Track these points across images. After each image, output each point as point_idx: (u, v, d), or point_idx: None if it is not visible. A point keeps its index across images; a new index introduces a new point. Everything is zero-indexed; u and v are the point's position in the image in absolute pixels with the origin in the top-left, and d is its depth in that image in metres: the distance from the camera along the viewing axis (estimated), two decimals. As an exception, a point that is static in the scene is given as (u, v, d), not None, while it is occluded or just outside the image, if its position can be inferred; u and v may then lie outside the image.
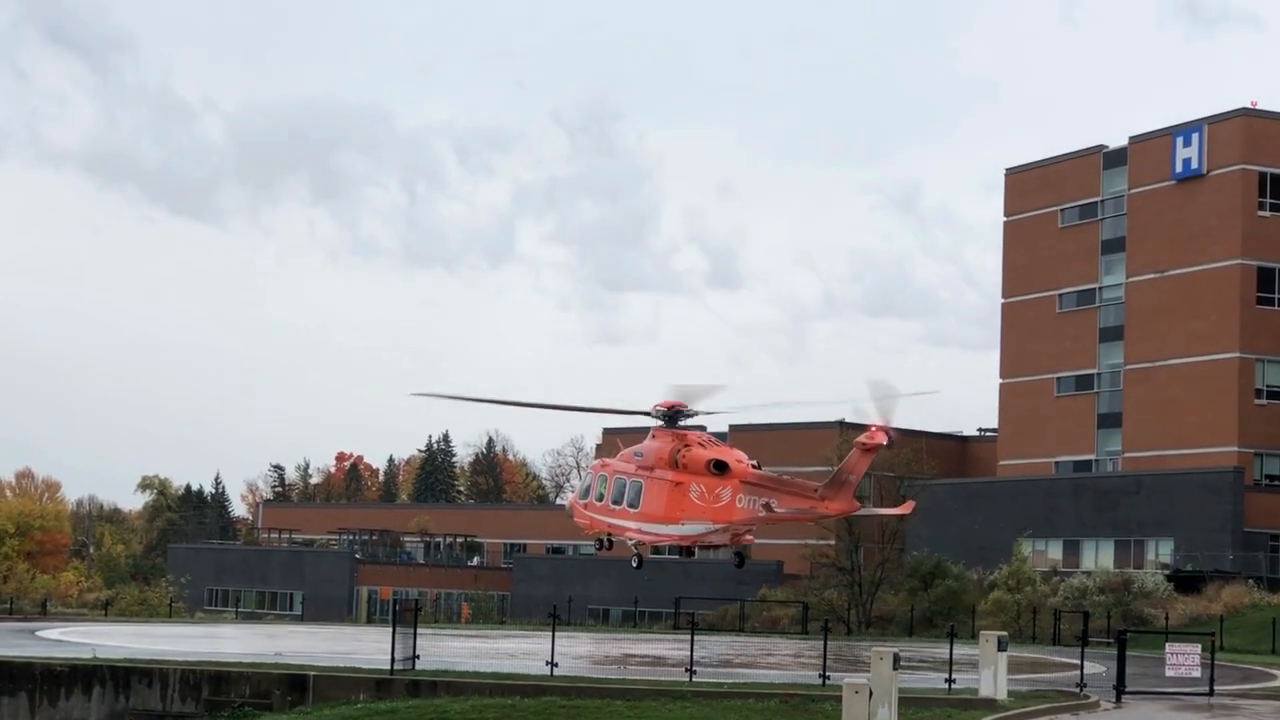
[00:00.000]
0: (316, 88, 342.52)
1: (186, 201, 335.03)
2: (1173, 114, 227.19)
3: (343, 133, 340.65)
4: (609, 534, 54.34)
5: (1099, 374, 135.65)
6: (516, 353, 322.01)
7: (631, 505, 51.50)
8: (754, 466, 49.38)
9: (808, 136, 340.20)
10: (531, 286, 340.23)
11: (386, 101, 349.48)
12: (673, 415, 51.57)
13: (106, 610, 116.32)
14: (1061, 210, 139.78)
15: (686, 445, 50.16)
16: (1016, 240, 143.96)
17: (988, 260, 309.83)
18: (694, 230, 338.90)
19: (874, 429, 44.41)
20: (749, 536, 51.65)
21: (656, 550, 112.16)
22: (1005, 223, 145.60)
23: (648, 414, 52.14)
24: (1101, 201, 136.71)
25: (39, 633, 71.81)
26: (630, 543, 53.00)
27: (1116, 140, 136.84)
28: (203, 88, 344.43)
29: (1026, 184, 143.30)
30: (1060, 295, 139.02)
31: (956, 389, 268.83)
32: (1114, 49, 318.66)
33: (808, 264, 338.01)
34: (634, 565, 55.13)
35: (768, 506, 47.05)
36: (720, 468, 48.73)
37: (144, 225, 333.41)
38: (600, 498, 52.81)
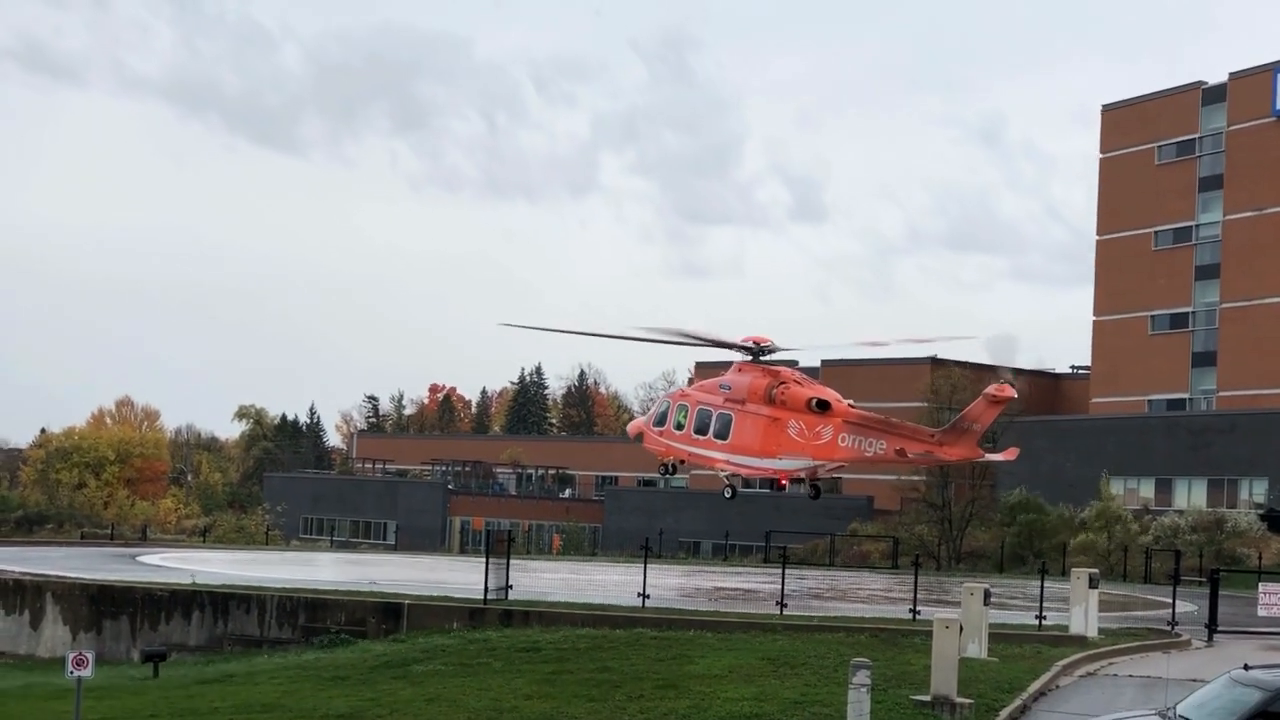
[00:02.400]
0: (392, 14, 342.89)
1: (268, 131, 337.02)
2: (1272, 50, 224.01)
3: (420, 61, 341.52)
4: (682, 461, 54.92)
5: (1194, 312, 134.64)
6: (599, 284, 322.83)
7: (719, 436, 51.91)
8: (851, 406, 49.71)
9: (888, 67, 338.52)
10: (614, 217, 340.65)
11: (463, 29, 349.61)
12: (759, 350, 51.91)
13: (204, 537, 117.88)
14: (1159, 147, 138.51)
15: (783, 382, 50.44)
16: (1112, 177, 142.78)
17: (1074, 195, 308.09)
18: (775, 162, 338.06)
19: (1004, 384, 44.59)
20: (833, 472, 52.09)
21: (747, 484, 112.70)
22: (1101, 159, 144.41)
23: (734, 346, 52.48)
24: (1200, 138, 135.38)
25: (139, 558, 73.02)
26: (723, 474, 53.46)
27: (1215, 76, 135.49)
28: (280, 15, 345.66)
29: (1123, 120, 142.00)
30: (1156, 233, 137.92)
31: (1043, 325, 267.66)
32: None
33: (890, 197, 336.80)
34: (727, 496, 55.68)
35: (900, 452, 47.28)
36: (822, 406, 49.06)
37: (226, 154, 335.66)
38: (680, 426, 53.25)
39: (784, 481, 53.26)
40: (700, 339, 53.30)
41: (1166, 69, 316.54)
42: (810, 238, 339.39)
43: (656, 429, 54.92)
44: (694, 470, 56.30)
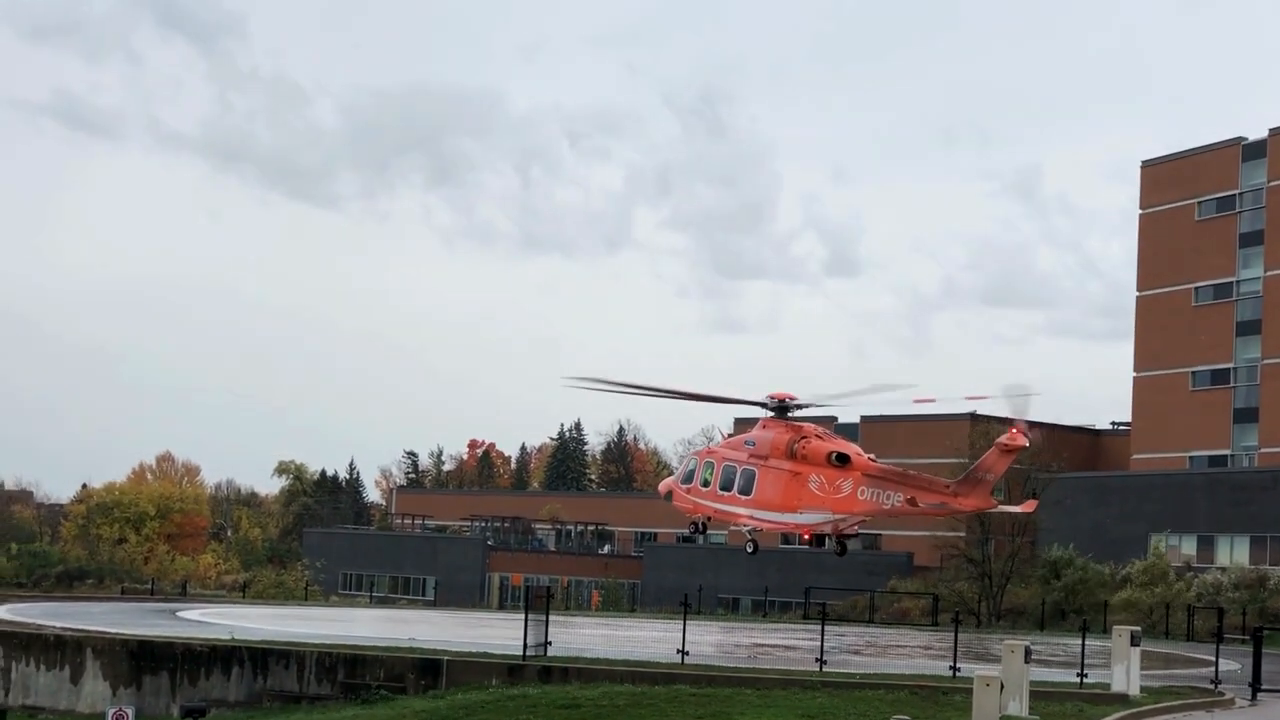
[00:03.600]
0: (425, 70, 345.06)
1: (302, 186, 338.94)
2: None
3: (454, 116, 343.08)
4: (710, 518, 55.23)
5: (1235, 368, 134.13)
6: (635, 339, 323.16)
7: (743, 492, 52.10)
8: (871, 459, 49.80)
9: (922, 120, 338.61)
10: (649, 272, 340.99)
11: (496, 83, 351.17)
12: (783, 407, 52.12)
13: (244, 592, 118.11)
14: (1199, 203, 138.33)
15: (804, 437, 50.67)
16: (1152, 233, 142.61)
17: (1111, 249, 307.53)
18: (810, 216, 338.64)
19: (1015, 431, 44.60)
20: (855, 527, 52.13)
21: (786, 540, 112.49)
22: (1141, 215, 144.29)
23: (762, 404, 52.74)
24: (1240, 194, 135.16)
25: (179, 613, 73.14)
26: (745, 530, 53.64)
27: (1255, 132, 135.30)
28: (313, 71, 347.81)
29: (1162, 176, 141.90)
30: (1196, 289, 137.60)
31: (1081, 380, 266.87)
32: (1241, 34, 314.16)
33: (926, 251, 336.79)
34: (749, 551, 55.75)
35: (910, 501, 47.42)
36: (842, 460, 49.17)
37: (261, 209, 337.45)
38: (706, 484, 53.44)
39: (807, 536, 53.46)
40: (724, 399, 53.83)
41: (1204, 124, 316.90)
42: (845, 292, 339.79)
43: (684, 486, 55.16)
44: (731, 527, 56.39)
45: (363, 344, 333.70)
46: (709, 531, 62.54)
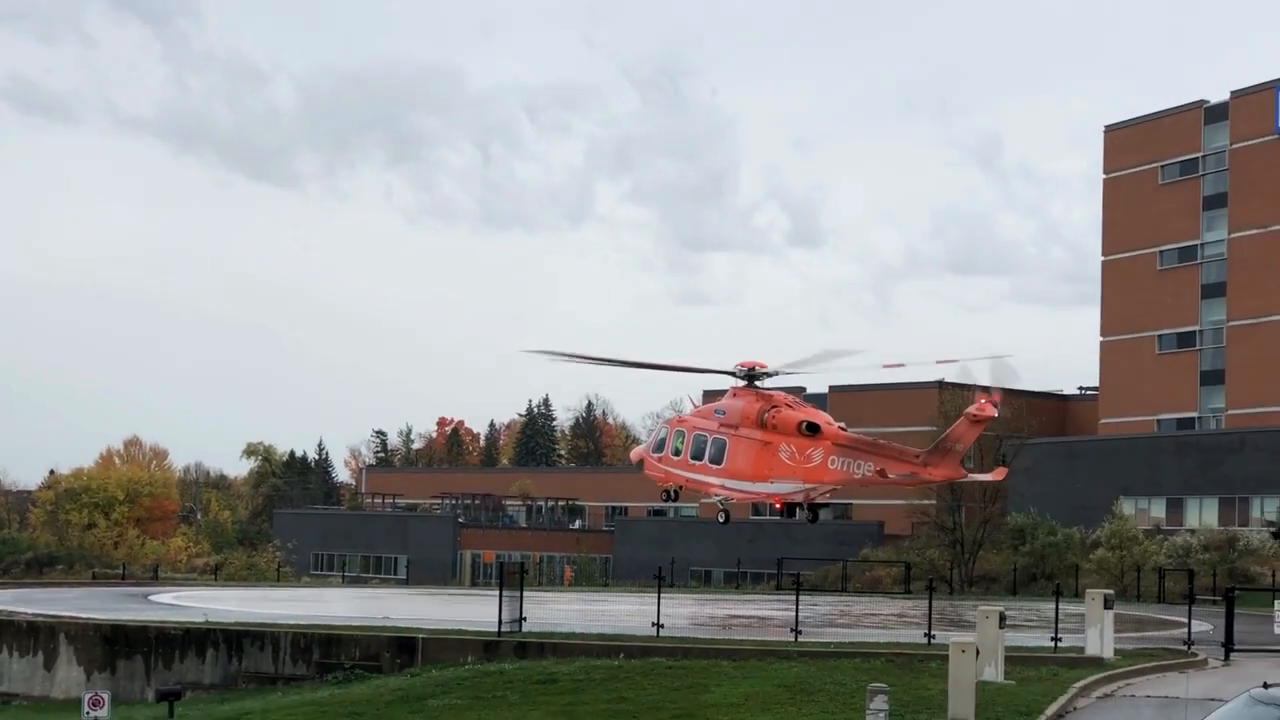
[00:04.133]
0: (383, 47, 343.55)
1: (263, 166, 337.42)
2: (1273, 68, 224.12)
3: (413, 93, 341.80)
4: (680, 487, 55.31)
5: (1201, 331, 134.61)
6: (601, 314, 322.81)
7: (714, 461, 52.33)
8: (841, 429, 49.95)
9: (883, 90, 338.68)
10: (612, 246, 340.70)
11: (455, 60, 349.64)
12: (752, 375, 52.21)
13: (215, 575, 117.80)
14: (1162, 167, 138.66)
15: (774, 406, 50.77)
16: (1116, 197, 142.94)
17: (1074, 215, 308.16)
18: (773, 187, 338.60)
19: (983, 401, 44.76)
20: (827, 495, 52.42)
21: (757, 510, 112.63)
22: (1104, 180, 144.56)
23: (730, 373, 52.80)
24: (1203, 157, 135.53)
25: (151, 597, 72.93)
26: (716, 499, 53.75)
27: (1217, 95, 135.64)
28: (270, 50, 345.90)
29: (1125, 141, 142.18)
30: (1161, 252, 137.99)
31: (1048, 346, 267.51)
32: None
33: (889, 220, 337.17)
34: (721, 521, 55.95)
35: (880, 472, 47.59)
36: (812, 429, 49.35)
37: (222, 190, 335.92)
38: (677, 452, 53.67)
39: (778, 505, 53.62)
40: (691, 369, 54.03)
41: (1164, 88, 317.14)
42: (810, 262, 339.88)
43: (655, 455, 55.32)
44: (704, 499, 56.35)
45: (327, 323, 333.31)
46: (680, 503, 62.66)
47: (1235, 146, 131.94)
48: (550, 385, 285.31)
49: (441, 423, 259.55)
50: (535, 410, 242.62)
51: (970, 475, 51.05)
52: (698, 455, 53.27)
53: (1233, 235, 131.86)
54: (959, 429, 46.14)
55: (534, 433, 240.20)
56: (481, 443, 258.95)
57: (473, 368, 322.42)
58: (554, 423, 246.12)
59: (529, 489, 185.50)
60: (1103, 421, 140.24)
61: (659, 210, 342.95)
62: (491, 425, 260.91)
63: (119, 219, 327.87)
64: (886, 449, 49.06)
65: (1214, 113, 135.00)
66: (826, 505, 54.11)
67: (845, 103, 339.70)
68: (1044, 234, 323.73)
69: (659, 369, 54.59)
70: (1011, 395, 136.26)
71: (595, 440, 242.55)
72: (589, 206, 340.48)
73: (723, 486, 52.86)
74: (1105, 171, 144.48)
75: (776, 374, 52.87)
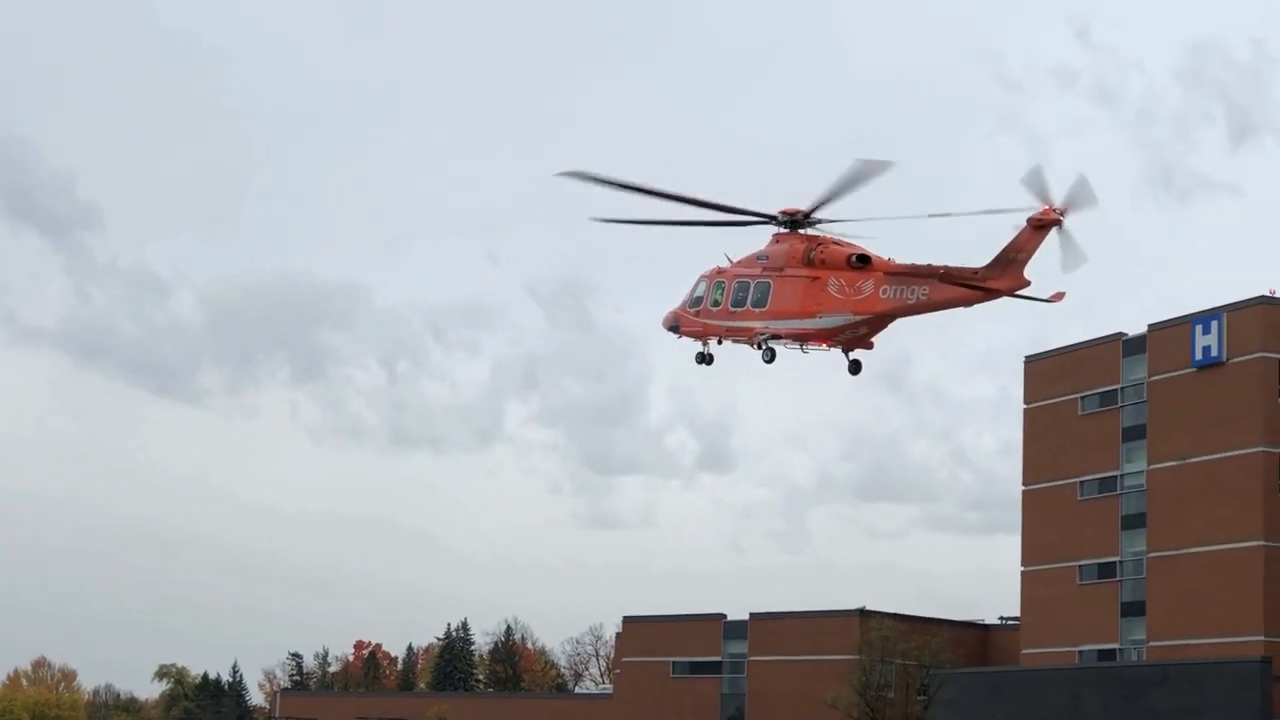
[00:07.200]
0: (288, 262, 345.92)
1: (167, 380, 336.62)
2: (1190, 302, 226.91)
3: (319, 308, 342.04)
4: (722, 339, 54.46)
5: (1122, 562, 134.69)
6: (513, 535, 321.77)
7: (757, 305, 52.11)
8: (890, 260, 49.79)
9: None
10: (521, 467, 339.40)
11: (361, 276, 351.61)
12: (795, 221, 51.74)
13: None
14: (1082, 398, 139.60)
15: (820, 244, 50.56)
16: (1036, 427, 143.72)
17: (983, 441, 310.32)
18: (682, 409, 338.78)
19: (1048, 208, 44.66)
20: (871, 338, 51.45)
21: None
22: (1025, 410, 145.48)
23: (773, 218, 52.11)
24: (1122, 389, 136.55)
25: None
26: (760, 337, 52.58)
27: (1135, 328, 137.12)
28: (174, 262, 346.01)
29: (1046, 371, 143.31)
30: (1082, 483, 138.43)
31: (961, 574, 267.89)
32: (1105, 239, 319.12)
33: (799, 443, 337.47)
34: (765, 360, 54.19)
35: (936, 291, 47.65)
36: (862, 260, 49.38)
37: (124, 404, 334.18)
38: (716, 304, 53.46)
39: (827, 345, 52.43)
40: (732, 209, 51.83)
41: (1077, 319, 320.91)
42: (720, 486, 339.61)
43: (692, 310, 54.79)
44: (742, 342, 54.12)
45: (240, 545, 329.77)
46: (714, 367, 59.70)
47: (1154, 379, 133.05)
48: (469, 609, 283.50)
49: (359, 645, 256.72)
50: (454, 634, 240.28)
51: (1028, 294, 49.18)
52: (739, 303, 52.87)
53: (1152, 467, 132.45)
54: (1021, 237, 45.88)
55: (452, 657, 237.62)
56: (399, 666, 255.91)
57: (389, 589, 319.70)
58: (473, 647, 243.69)
59: (446, 714, 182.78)
60: (1024, 652, 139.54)
61: (567, 431, 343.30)
62: (409, 649, 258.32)
63: (20, 432, 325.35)
64: (940, 270, 48.39)
65: (1132, 345, 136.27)
66: (870, 347, 52.25)
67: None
68: (953, 459, 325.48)
69: (700, 205, 51.42)
70: (933, 625, 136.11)
71: (514, 665, 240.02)
72: (498, 425, 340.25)
73: (766, 328, 52.03)
74: (1026, 401, 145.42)
75: (819, 221, 51.59)
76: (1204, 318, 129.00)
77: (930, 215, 50.15)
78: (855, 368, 53.40)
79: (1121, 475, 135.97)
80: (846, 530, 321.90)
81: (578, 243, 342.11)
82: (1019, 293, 48.28)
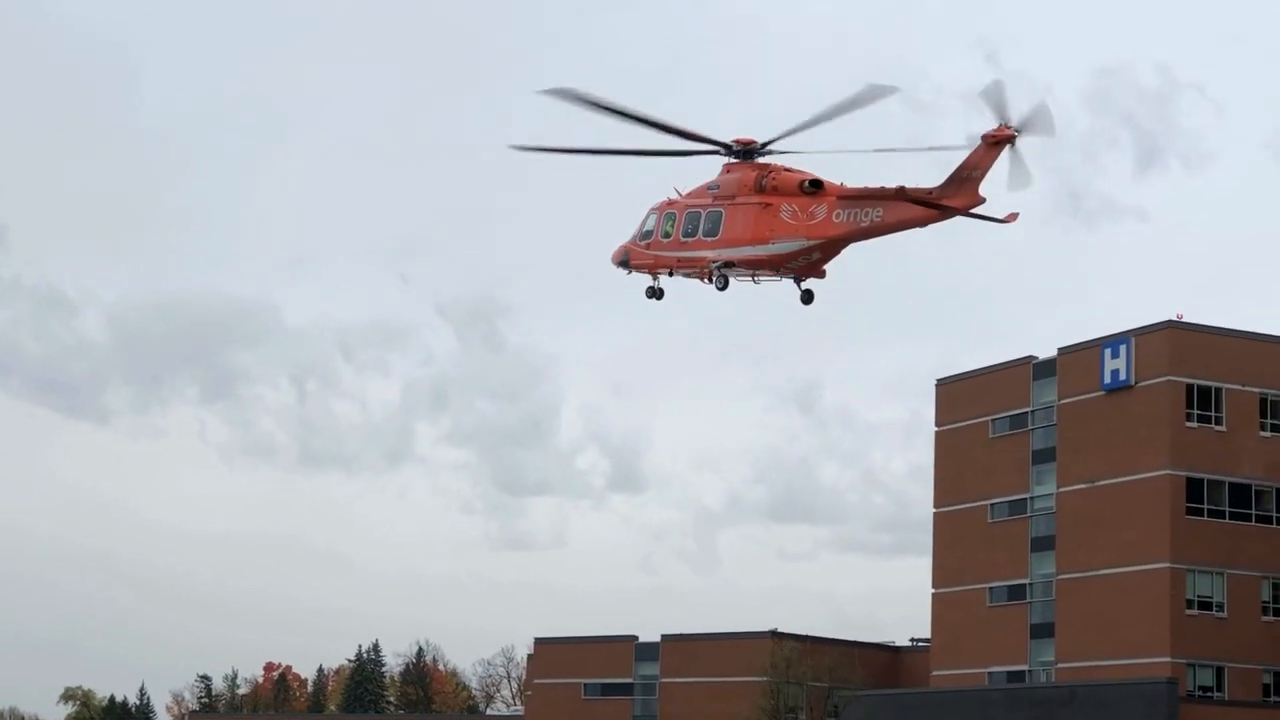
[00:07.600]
0: (197, 280, 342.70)
1: (72, 399, 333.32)
2: (1098, 325, 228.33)
3: (228, 327, 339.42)
4: (674, 271, 53.99)
5: (1031, 584, 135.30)
6: (424, 556, 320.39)
7: (709, 235, 51.93)
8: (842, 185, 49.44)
9: (702, 334, 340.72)
10: (432, 488, 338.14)
11: (270, 295, 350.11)
12: (747, 151, 51.54)
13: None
14: (992, 420, 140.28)
15: (771, 172, 50.39)
16: (947, 450, 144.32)
17: (893, 463, 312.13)
18: (593, 429, 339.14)
19: (1001, 125, 44.61)
20: (822, 265, 51.13)
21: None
22: (936, 432, 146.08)
23: (727, 146, 51.85)
24: (1032, 412, 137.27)
25: None
26: (713, 266, 52.24)
27: (1045, 351, 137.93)
28: (80, 280, 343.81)
29: (956, 394, 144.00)
30: (992, 505, 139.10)
31: (871, 596, 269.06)
32: (1018, 257, 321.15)
33: (710, 465, 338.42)
34: (719, 289, 53.82)
35: (890, 212, 47.43)
36: (815, 185, 49.27)
37: (29, 423, 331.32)
38: (667, 235, 53.25)
39: (778, 272, 52.17)
40: (684, 133, 51.08)
41: (987, 343, 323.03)
42: (632, 507, 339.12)
43: (642, 243, 54.35)
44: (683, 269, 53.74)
45: (148, 565, 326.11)
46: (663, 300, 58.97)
47: (1063, 402, 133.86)
48: (381, 630, 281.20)
49: (268, 667, 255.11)
50: (364, 655, 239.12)
51: (983, 214, 48.86)
52: (690, 233, 52.63)
53: (1061, 490, 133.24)
54: (976, 154, 45.85)
55: (363, 679, 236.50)
56: (309, 688, 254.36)
57: (299, 610, 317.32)
58: (384, 668, 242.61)
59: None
60: (935, 673, 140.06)
61: (479, 452, 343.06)
62: (320, 670, 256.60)
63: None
64: (894, 190, 48.33)
65: (1042, 369, 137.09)
66: (822, 275, 51.72)
67: (664, 346, 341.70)
68: (863, 481, 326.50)
69: (664, 130, 50.43)
70: (842, 646, 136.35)
71: (425, 687, 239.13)
72: (409, 447, 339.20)
73: (719, 256, 51.77)
74: (937, 424, 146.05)
75: (772, 150, 51.32)
76: (1113, 342, 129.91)
77: (876, 150, 50.02)
78: (808, 298, 53.30)
79: (1031, 498, 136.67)
80: (758, 552, 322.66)
81: (489, 264, 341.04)
82: (974, 211, 48.42)
